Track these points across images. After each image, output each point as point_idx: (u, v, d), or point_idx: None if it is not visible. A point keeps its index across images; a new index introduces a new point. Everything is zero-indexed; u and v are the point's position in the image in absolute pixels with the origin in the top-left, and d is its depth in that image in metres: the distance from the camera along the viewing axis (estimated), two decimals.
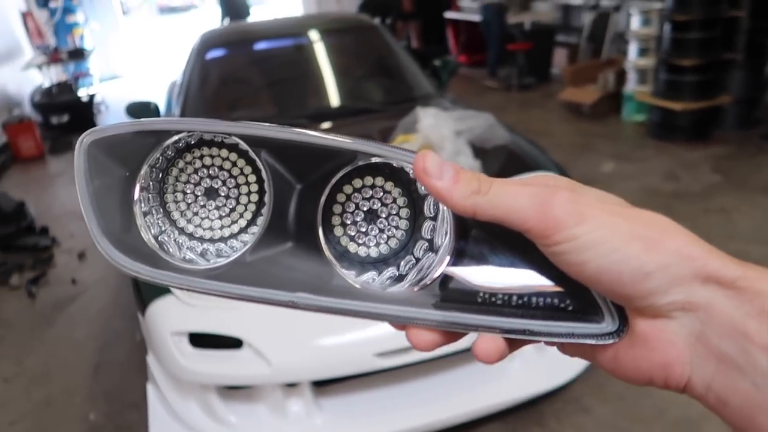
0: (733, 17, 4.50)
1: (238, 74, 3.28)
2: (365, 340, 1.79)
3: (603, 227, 0.31)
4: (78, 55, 7.95)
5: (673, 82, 4.58)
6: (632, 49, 5.17)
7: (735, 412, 0.30)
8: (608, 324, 0.34)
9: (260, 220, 0.39)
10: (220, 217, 0.41)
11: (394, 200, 0.39)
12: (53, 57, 7.52)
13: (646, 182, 4.00)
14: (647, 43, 5.02)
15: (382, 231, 0.40)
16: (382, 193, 0.39)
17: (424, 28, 8.31)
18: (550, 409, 2.13)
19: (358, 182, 0.39)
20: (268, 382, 1.80)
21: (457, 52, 8.05)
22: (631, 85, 5.21)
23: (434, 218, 0.39)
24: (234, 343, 1.79)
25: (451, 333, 0.36)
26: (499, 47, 6.93)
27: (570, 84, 5.81)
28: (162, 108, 3.32)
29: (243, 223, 0.41)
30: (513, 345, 0.36)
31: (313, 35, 3.33)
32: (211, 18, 8.97)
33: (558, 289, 0.35)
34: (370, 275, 0.39)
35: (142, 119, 0.39)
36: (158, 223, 0.40)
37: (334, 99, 3.11)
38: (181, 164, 0.40)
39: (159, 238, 0.40)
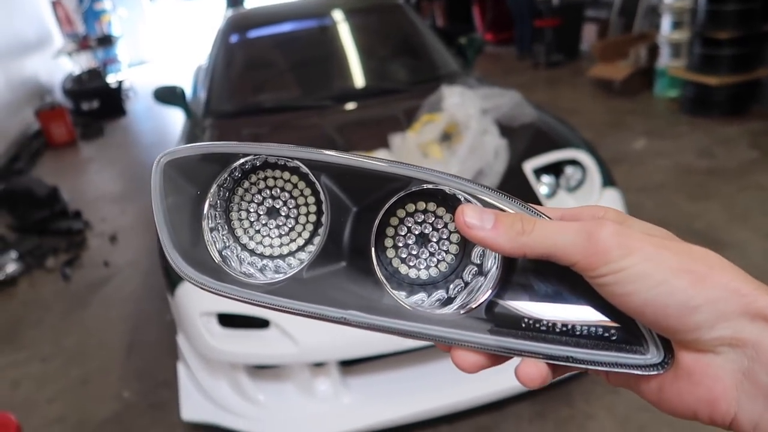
0: None
1: (263, 56, 3.27)
2: None
3: (650, 260, 0.31)
4: (106, 41, 8.07)
5: (709, 56, 4.43)
6: (665, 23, 5.00)
7: None
8: (653, 356, 0.34)
9: (317, 240, 0.42)
10: (280, 236, 0.44)
11: (446, 225, 0.41)
12: (82, 44, 7.65)
13: (679, 159, 3.89)
14: (681, 16, 4.85)
15: (432, 254, 0.41)
16: (433, 218, 0.41)
17: (449, 6, 8.19)
18: (578, 390, 2.10)
19: (411, 207, 0.41)
20: (296, 361, 1.82)
21: (483, 30, 7.91)
22: (664, 60, 5.05)
23: None
24: (261, 323, 1.81)
25: (496, 356, 0.37)
26: (530, 24, 6.78)
27: (600, 60, 5.67)
28: (188, 92, 3.34)
29: (301, 242, 0.43)
30: (557, 371, 0.37)
31: (338, 15, 3.30)
32: (215, 6, 9.00)
33: (603, 319, 0.35)
34: (420, 297, 0.41)
35: (213, 143, 0.42)
36: (223, 238, 0.43)
37: (359, 79, 3.08)
38: (246, 184, 0.43)
39: (223, 253, 0.42)
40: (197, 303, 1.86)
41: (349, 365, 1.94)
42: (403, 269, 0.41)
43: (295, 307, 0.39)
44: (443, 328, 0.38)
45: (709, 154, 3.94)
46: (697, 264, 0.31)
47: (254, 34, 3.36)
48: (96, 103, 6.71)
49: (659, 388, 0.34)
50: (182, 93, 3.08)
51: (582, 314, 0.36)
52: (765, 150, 3.88)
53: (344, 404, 1.88)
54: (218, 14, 8.32)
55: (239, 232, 0.44)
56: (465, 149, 2.11)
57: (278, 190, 0.43)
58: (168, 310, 2.17)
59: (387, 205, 0.40)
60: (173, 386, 2.12)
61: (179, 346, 2.04)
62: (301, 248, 0.43)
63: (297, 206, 0.43)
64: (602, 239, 0.32)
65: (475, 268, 0.40)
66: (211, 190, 0.41)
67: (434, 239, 0.41)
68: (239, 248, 0.43)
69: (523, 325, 0.37)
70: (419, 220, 0.41)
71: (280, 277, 0.41)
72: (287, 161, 0.41)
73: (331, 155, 0.39)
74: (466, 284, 0.40)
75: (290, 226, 0.43)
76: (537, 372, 0.36)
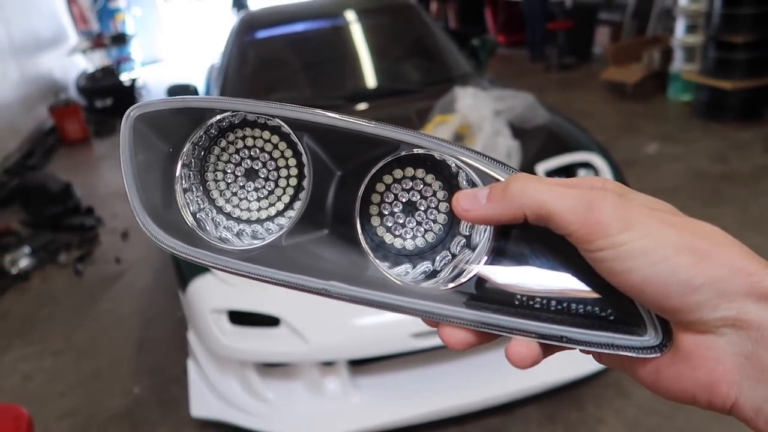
0: None
1: (276, 55, 3.29)
2: (402, 320, 1.78)
3: (651, 235, 0.29)
4: (120, 40, 8.12)
5: (723, 60, 4.39)
6: (679, 26, 4.96)
7: None
8: (651, 337, 0.32)
9: (298, 205, 0.39)
10: (258, 199, 0.41)
11: (434, 193, 0.39)
12: (97, 42, 7.71)
13: (692, 163, 3.87)
14: (695, 20, 4.81)
15: (419, 224, 0.39)
16: (422, 186, 0.39)
17: (462, 8, 8.18)
18: (588, 393, 2.09)
19: (398, 173, 0.38)
20: (305, 360, 1.82)
21: (495, 32, 7.90)
22: (678, 64, 5.02)
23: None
24: (272, 321, 1.81)
25: (486, 334, 0.35)
26: (542, 27, 6.76)
27: (613, 63, 5.64)
28: (201, 90, 3.36)
29: (280, 206, 0.41)
30: (547, 351, 0.35)
31: (351, 16, 3.31)
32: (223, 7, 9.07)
33: (599, 297, 0.33)
34: (404, 268, 0.39)
35: (187, 96, 0.39)
36: (197, 200, 0.40)
37: (371, 80, 3.09)
38: (223, 143, 0.40)
39: (197, 216, 0.40)
40: (208, 300, 1.87)
41: (359, 365, 1.94)
42: (388, 238, 0.39)
43: (273, 275, 0.37)
44: (431, 302, 0.36)
45: (723, 158, 3.90)
46: (701, 241, 0.29)
47: (267, 33, 3.37)
48: (109, 101, 6.76)
49: (656, 371, 0.32)
50: (195, 91, 3.11)
51: (577, 291, 0.34)
52: None
53: (353, 404, 1.88)
54: (224, 16, 8.40)
55: (215, 194, 0.41)
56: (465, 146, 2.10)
57: (257, 151, 0.40)
58: (179, 306, 2.18)
59: (374, 170, 0.37)
60: (183, 383, 2.13)
61: (189, 343, 2.05)
62: (280, 213, 0.41)
63: (277, 168, 0.40)
64: (603, 210, 0.30)
65: (464, 240, 0.38)
66: (185, 149, 0.39)
67: (422, 208, 0.39)
68: (214, 211, 0.41)
69: (516, 302, 0.35)
70: (407, 187, 0.39)
71: (258, 243, 0.38)
72: (268, 119, 0.39)
73: (315, 114, 0.37)
74: (453, 256, 0.38)
75: (269, 189, 0.41)
76: (528, 351, 0.34)
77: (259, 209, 0.41)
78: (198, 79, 4.23)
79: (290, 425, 1.87)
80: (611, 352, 0.33)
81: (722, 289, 0.28)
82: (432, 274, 0.38)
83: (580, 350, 0.35)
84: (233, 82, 3.07)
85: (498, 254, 0.35)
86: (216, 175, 0.41)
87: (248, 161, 0.40)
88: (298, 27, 3.36)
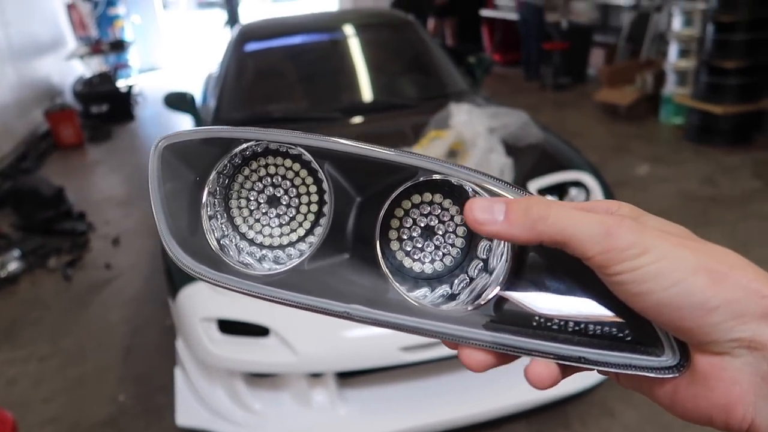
0: None
1: (274, 67, 3.31)
2: (391, 334, 1.78)
3: (667, 258, 0.30)
4: (118, 46, 8.14)
5: (715, 85, 4.46)
6: (672, 50, 5.04)
7: None
8: (668, 358, 0.33)
9: (318, 230, 0.41)
10: (280, 225, 0.42)
11: (452, 218, 0.40)
12: (95, 48, 7.72)
13: (682, 186, 3.91)
14: (689, 44, 4.89)
15: (437, 248, 0.40)
16: (440, 210, 0.40)
17: (459, 26, 8.26)
18: (575, 412, 2.10)
19: (417, 198, 0.39)
20: (294, 371, 1.82)
21: (491, 51, 7.98)
22: (670, 87, 5.09)
23: (491, 238, 0.39)
24: (261, 331, 1.81)
25: (504, 355, 0.36)
26: (538, 47, 6.84)
27: (607, 84, 5.71)
28: (198, 99, 3.38)
29: (302, 232, 0.42)
30: (566, 371, 0.36)
31: (348, 30, 3.34)
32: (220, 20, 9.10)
33: (617, 318, 0.34)
34: (423, 291, 0.39)
35: (214, 127, 0.40)
36: (222, 227, 0.41)
37: (368, 94, 3.11)
38: (246, 171, 0.42)
39: (221, 242, 0.41)
40: (198, 308, 1.87)
41: (347, 377, 1.94)
42: (407, 262, 0.40)
43: (297, 299, 0.38)
44: (451, 325, 0.36)
45: (712, 182, 3.95)
46: (716, 263, 0.29)
47: (265, 45, 3.40)
48: (105, 107, 6.75)
49: (673, 391, 0.33)
50: (192, 99, 3.11)
51: (594, 313, 0.34)
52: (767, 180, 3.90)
53: (340, 416, 1.88)
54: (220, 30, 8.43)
55: (238, 220, 0.42)
56: (471, 167, 2.12)
57: (279, 178, 0.41)
58: (168, 314, 2.18)
59: (393, 196, 0.38)
60: (170, 391, 2.11)
61: (178, 351, 2.04)
62: (301, 239, 0.42)
63: (298, 195, 0.42)
64: (621, 236, 0.30)
65: (481, 263, 0.39)
66: (210, 177, 0.40)
67: (440, 232, 0.40)
68: (238, 237, 0.42)
69: (534, 323, 0.35)
70: (425, 212, 0.40)
71: (280, 268, 0.39)
72: (290, 148, 0.40)
73: (336, 142, 0.38)
74: (471, 280, 0.39)
75: (291, 215, 0.42)
76: (547, 373, 0.34)
77: (281, 235, 0.42)
78: (195, 87, 4.25)
79: None
80: (629, 372, 0.34)
81: (737, 311, 0.29)
82: (450, 297, 0.39)
83: (598, 371, 0.35)
84: (230, 93, 3.08)
85: (516, 277, 0.36)
86: (240, 203, 0.42)
87: (271, 188, 0.42)
88: (296, 39, 3.39)
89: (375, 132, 2.76)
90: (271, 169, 0.42)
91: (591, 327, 0.34)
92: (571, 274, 0.35)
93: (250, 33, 3.42)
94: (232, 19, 7.69)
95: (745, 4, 4.22)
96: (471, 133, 2.26)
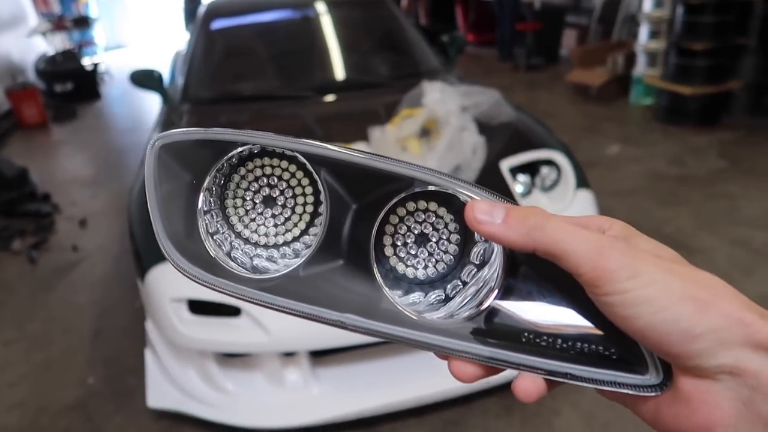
0: (748, 1, 4.43)
1: (243, 45, 3.24)
2: None
3: (655, 284, 0.30)
4: (83, 23, 7.89)
5: (684, 66, 4.53)
6: (643, 32, 5.09)
7: None
8: (652, 376, 0.34)
9: (312, 231, 0.41)
10: (275, 225, 0.43)
11: (446, 225, 0.40)
12: (58, 24, 7.47)
13: (651, 166, 3.97)
14: (659, 26, 4.95)
15: (430, 255, 0.41)
16: (434, 218, 0.40)
17: (433, 5, 8.21)
18: None
19: (411, 206, 0.40)
20: (266, 350, 1.81)
21: (465, 31, 7.96)
22: (641, 68, 5.15)
23: (485, 243, 0.40)
24: (233, 311, 1.79)
25: (492, 367, 0.37)
26: (512, 27, 6.85)
27: (578, 65, 5.75)
28: (166, 77, 3.29)
29: (297, 232, 0.43)
30: (551, 386, 0.36)
31: (320, 7, 3.28)
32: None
33: (603, 335, 0.35)
34: (417, 296, 0.40)
35: (212, 129, 0.40)
36: (217, 225, 0.42)
37: (340, 72, 3.07)
38: (243, 171, 0.42)
39: (215, 237, 0.41)
40: (168, 289, 1.84)
41: (320, 356, 1.93)
42: (400, 268, 0.41)
43: (291, 306, 0.38)
44: (443, 337, 0.37)
45: (680, 162, 4.03)
46: (702, 291, 0.30)
47: (234, 22, 3.32)
48: (70, 85, 6.56)
49: (656, 409, 0.34)
50: (159, 77, 3.03)
51: (581, 327, 0.35)
52: (733, 160, 3.98)
53: (313, 394, 1.88)
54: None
55: (234, 219, 0.43)
56: (443, 145, 2.12)
57: (275, 179, 0.42)
58: (137, 296, 2.14)
59: (389, 204, 0.39)
60: (140, 373, 2.09)
61: (148, 333, 2.01)
62: (296, 239, 0.42)
63: (294, 196, 0.42)
64: (612, 257, 0.31)
65: (474, 269, 0.40)
66: (207, 180, 0.40)
67: (434, 239, 0.40)
68: (233, 235, 0.42)
69: (523, 339, 0.36)
70: (420, 220, 0.40)
71: (273, 267, 0.40)
72: (286, 150, 0.40)
73: (334, 150, 0.38)
74: (465, 284, 0.40)
75: (286, 216, 0.42)
76: (534, 388, 0.35)
77: (276, 234, 0.43)
78: (163, 66, 4.15)
79: (249, 416, 1.85)
80: (613, 389, 0.35)
81: (721, 339, 0.30)
82: (444, 301, 0.39)
83: (586, 387, 0.36)
84: (198, 71, 3.02)
85: (507, 288, 0.37)
86: (236, 202, 0.43)
87: (266, 189, 0.42)
88: (266, 17, 3.32)
89: (347, 111, 2.73)
90: (267, 170, 0.42)
91: (578, 344, 0.35)
92: (562, 287, 0.35)
93: (216, 10, 3.33)
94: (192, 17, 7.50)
95: None
96: (444, 112, 2.25)
